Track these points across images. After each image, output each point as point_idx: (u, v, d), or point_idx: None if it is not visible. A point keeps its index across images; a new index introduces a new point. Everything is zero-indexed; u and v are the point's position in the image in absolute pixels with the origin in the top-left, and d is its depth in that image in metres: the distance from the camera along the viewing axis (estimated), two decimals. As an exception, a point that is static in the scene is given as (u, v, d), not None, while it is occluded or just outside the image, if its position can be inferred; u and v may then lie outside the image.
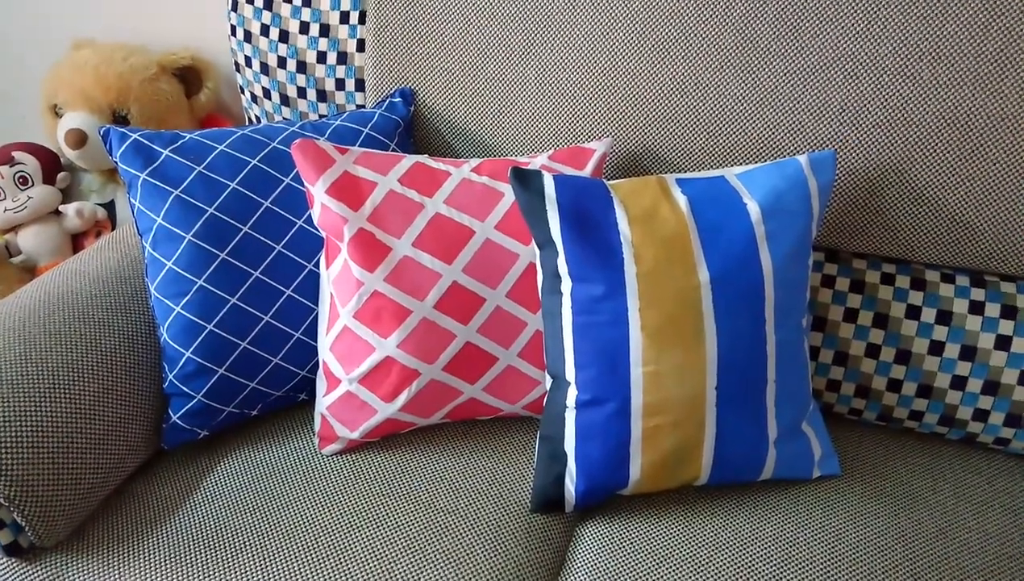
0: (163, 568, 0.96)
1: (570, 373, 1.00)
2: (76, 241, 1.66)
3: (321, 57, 1.31)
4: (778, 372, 1.00)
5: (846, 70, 1.07)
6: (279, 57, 1.33)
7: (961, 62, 1.03)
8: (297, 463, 1.09)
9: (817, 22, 1.07)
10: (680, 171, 1.19)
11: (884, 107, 1.07)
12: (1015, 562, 0.98)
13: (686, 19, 1.11)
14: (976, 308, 1.10)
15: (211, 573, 0.95)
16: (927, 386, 1.12)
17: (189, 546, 0.98)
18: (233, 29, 1.38)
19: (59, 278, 1.14)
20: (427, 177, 1.08)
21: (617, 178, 1.21)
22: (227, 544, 0.98)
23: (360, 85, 1.31)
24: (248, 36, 1.36)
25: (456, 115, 1.27)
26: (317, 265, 1.12)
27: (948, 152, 1.07)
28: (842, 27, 1.06)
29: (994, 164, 1.06)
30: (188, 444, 1.12)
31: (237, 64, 1.41)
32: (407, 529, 1.00)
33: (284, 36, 1.32)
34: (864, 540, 0.99)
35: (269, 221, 1.09)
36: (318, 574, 0.94)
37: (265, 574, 0.95)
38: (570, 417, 1.01)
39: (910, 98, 1.06)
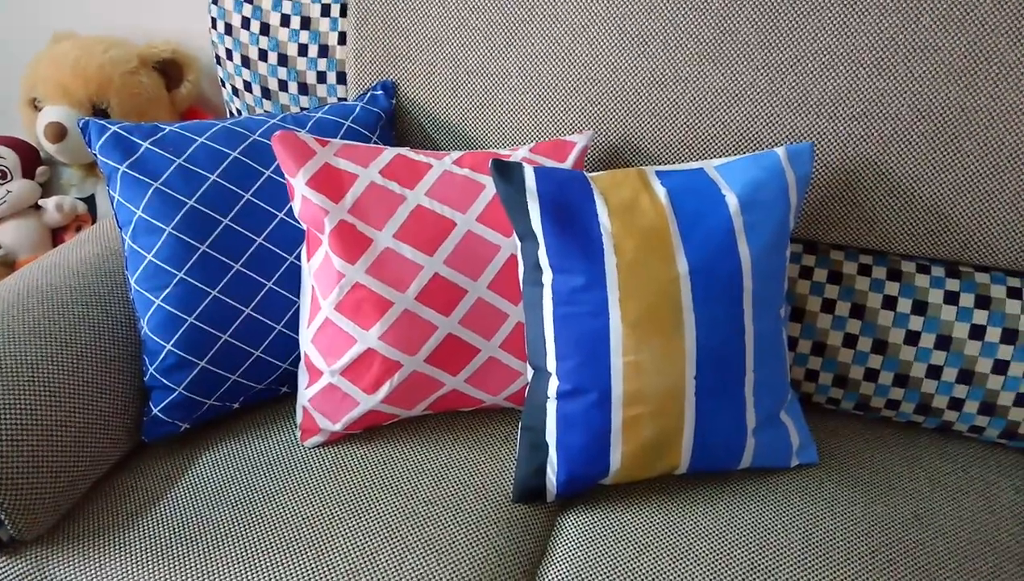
0: (145, 561, 0.96)
1: (551, 364, 1.01)
2: (56, 236, 1.65)
3: (302, 50, 1.31)
4: (756, 362, 1.01)
5: (823, 63, 1.09)
6: (260, 50, 1.33)
7: (936, 55, 1.05)
8: (279, 455, 1.09)
9: (795, 15, 1.08)
10: (660, 163, 1.19)
11: (860, 100, 1.09)
12: (988, 547, 0.99)
13: (666, 12, 1.12)
14: (951, 298, 1.12)
15: (193, 565, 0.95)
16: (903, 375, 1.14)
17: (171, 539, 0.98)
18: (214, 22, 1.37)
19: (38, 272, 1.14)
20: (408, 169, 1.08)
21: (598, 170, 1.21)
22: (209, 536, 0.98)
23: (341, 78, 1.31)
24: (229, 29, 1.35)
25: (438, 108, 1.27)
26: (298, 257, 1.12)
27: (923, 144, 1.09)
28: (819, 20, 1.07)
29: (968, 156, 1.08)
30: (169, 437, 1.12)
31: (218, 57, 1.40)
32: (389, 520, 1.00)
33: (265, 29, 1.32)
34: (841, 527, 1.00)
35: (250, 213, 1.09)
36: (300, 565, 0.95)
37: (247, 566, 0.95)
38: (551, 407, 1.01)
39: (886, 91, 1.08)
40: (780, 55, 1.10)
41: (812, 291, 1.16)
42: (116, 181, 1.08)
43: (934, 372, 1.12)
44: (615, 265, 0.98)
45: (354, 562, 0.95)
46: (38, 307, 1.07)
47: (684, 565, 0.95)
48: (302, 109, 1.36)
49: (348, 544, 0.97)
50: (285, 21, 1.31)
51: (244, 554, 0.96)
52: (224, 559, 0.95)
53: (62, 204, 1.61)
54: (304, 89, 1.33)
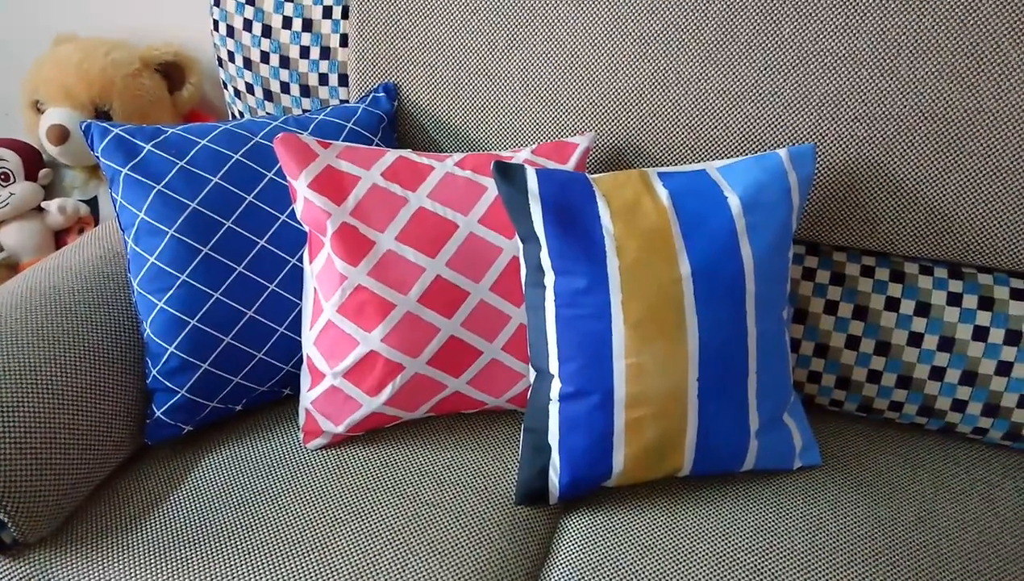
0: (148, 563, 0.96)
1: (553, 366, 1.01)
2: (59, 238, 1.65)
3: (304, 52, 1.31)
4: (759, 363, 1.01)
5: (825, 64, 1.08)
6: (262, 52, 1.33)
7: (939, 56, 1.05)
8: (282, 458, 1.09)
9: (797, 16, 1.08)
10: (662, 165, 1.19)
11: (863, 101, 1.09)
12: (992, 549, 0.99)
13: (667, 13, 1.12)
14: (954, 300, 1.12)
15: (196, 568, 0.95)
16: (906, 377, 1.13)
17: (174, 541, 0.98)
18: (216, 24, 1.37)
19: (41, 274, 1.14)
20: (410, 171, 1.08)
21: (600, 172, 1.21)
22: (212, 539, 0.98)
23: (343, 80, 1.31)
24: (231, 31, 1.35)
25: (439, 110, 1.27)
26: (300, 260, 1.12)
27: (926, 145, 1.08)
28: (822, 21, 1.07)
29: (971, 157, 1.07)
30: (172, 439, 1.12)
31: (220, 59, 1.40)
32: (392, 522, 1.00)
33: (267, 31, 1.32)
34: (844, 529, 1.00)
35: (252, 216, 1.09)
36: (303, 568, 0.95)
37: (250, 568, 0.95)
38: (554, 409, 1.01)
39: (888, 92, 1.07)
40: (782, 56, 1.10)
41: (815, 293, 1.16)
42: (118, 183, 1.08)
43: (937, 374, 1.12)
44: (617, 267, 0.98)
45: (357, 564, 0.95)
46: (41, 310, 1.07)
47: (687, 567, 0.95)
48: (304, 111, 1.36)
49: (351, 546, 0.97)
50: (287, 23, 1.31)
51: (247, 556, 0.96)
52: (227, 561, 0.95)
53: (65, 206, 1.61)
54: (306, 91, 1.33)
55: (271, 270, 1.10)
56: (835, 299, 1.15)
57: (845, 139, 1.11)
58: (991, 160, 1.07)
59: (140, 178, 1.07)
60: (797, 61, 1.09)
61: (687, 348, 0.97)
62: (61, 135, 1.54)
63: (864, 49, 1.07)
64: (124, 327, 1.12)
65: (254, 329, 1.09)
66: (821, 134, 1.11)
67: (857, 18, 1.06)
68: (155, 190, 1.07)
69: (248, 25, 1.33)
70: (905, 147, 1.09)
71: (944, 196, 1.10)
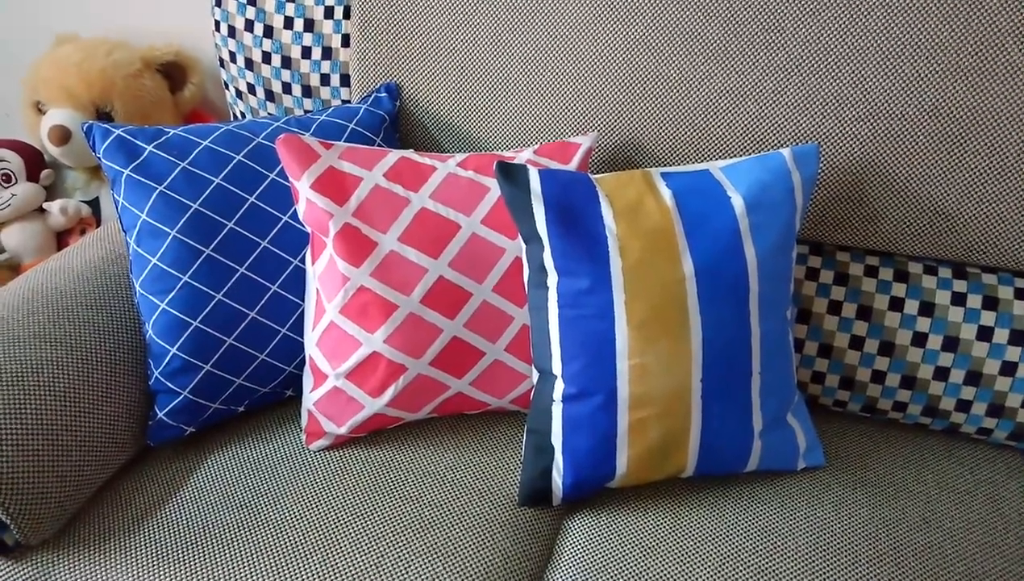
0: (150, 565, 0.95)
1: (556, 367, 1.01)
2: (60, 239, 1.65)
3: (306, 52, 1.31)
4: (763, 364, 1.01)
5: (829, 64, 1.08)
6: (264, 52, 1.33)
7: (942, 55, 1.04)
8: (284, 459, 1.09)
9: (800, 16, 1.08)
10: (665, 165, 1.19)
11: (866, 100, 1.08)
12: (996, 551, 0.99)
13: (671, 13, 1.12)
14: (958, 299, 1.12)
15: (199, 569, 0.95)
16: (911, 377, 1.13)
17: (176, 543, 0.98)
18: (217, 24, 1.37)
19: (43, 276, 1.14)
20: (412, 172, 1.08)
21: (602, 172, 1.21)
22: (214, 540, 0.98)
23: (345, 80, 1.31)
24: (232, 31, 1.35)
25: (442, 110, 1.27)
26: (303, 260, 1.11)
27: (930, 145, 1.08)
28: (825, 21, 1.07)
29: (975, 156, 1.07)
30: (174, 441, 1.12)
31: (221, 60, 1.40)
32: (395, 524, 1.00)
33: (268, 31, 1.32)
34: (848, 530, 1.00)
35: (254, 216, 1.09)
36: (306, 569, 0.95)
37: (253, 569, 0.95)
38: (557, 410, 1.01)
39: (892, 91, 1.07)
40: (786, 56, 1.09)
41: (818, 292, 1.16)
42: (120, 184, 1.08)
43: (941, 374, 1.12)
44: (620, 267, 0.98)
45: (360, 566, 0.95)
46: (43, 311, 1.07)
47: (691, 568, 0.95)
48: (306, 112, 1.35)
49: (354, 548, 0.97)
50: (288, 23, 1.30)
51: (249, 558, 0.96)
52: (229, 563, 0.95)
53: (66, 207, 1.61)
54: (308, 92, 1.33)
55: (273, 271, 1.09)
56: (839, 299, 1.15)
57: (849, 138, 1.11)
58: (995, 159, 1.07)
59: (142, 179, 1.07)
60: (801, 60, 1.09)
61: (691, 348, 0.97)
62: (62, 136, 1.54)
63: (868, 48, 1.06)
64: (126, 328, 1.12)
65: (256, 330, 1.09)
66: (825, 133, 1.11)
67: (860, 17, 1.05)
68: (157, 191, 1.07)
69: (250, 26, 1.33)
70: (909, 146, 1.09)
71: (948, 196, 1.10)
